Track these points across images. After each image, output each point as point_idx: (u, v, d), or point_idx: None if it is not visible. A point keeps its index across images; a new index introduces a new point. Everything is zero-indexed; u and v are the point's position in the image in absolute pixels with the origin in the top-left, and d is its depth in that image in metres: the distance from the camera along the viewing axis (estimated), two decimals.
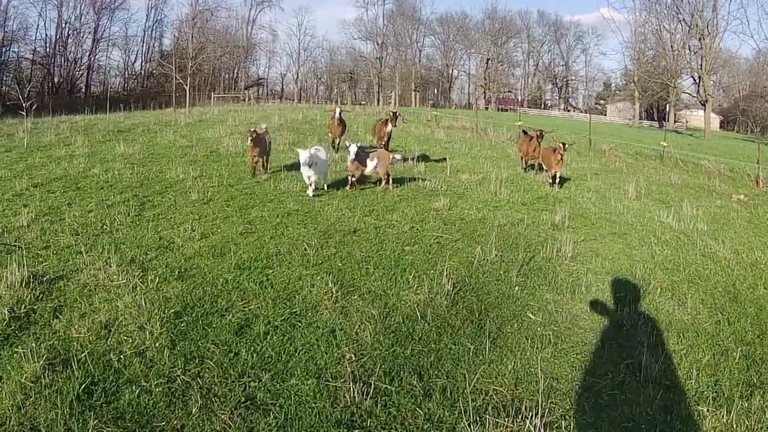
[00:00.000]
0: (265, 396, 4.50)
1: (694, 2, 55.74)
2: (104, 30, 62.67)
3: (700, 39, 55.37)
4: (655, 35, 63.19)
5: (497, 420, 4.33)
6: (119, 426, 4.06)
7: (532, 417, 4.28)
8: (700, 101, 56.79)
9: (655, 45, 64.31)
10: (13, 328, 5.28)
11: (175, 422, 4.13)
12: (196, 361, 4.91)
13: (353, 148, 11.15)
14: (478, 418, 4.36)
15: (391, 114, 16.64)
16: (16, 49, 57.64)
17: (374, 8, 78.73)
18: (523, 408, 4.47)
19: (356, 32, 78.14)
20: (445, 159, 16.62)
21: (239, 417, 4.22)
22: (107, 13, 62.12)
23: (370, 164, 11.61)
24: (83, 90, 59.68)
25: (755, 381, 5.19)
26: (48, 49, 58.77)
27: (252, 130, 12.37)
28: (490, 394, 4.70)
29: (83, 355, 4.86)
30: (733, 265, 8.55)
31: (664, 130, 48.06)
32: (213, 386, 4.58)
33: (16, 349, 4.88)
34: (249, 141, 11.97)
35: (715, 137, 52.19)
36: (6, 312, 5.47)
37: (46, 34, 59.50)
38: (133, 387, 4.49)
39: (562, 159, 13.32)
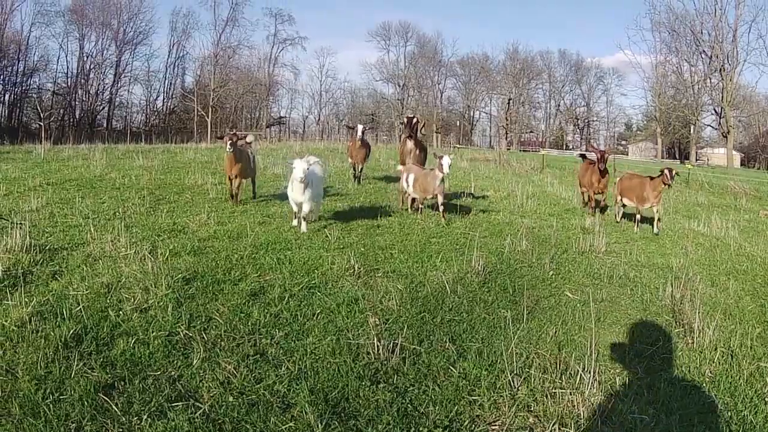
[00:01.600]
0: (277, 351, 3.99)
1: (714, 34, 55.71)
2: (126, 65, 63.50)
3: (720, 70, 55.17)
4: (676, 72, 63.16)
5: (543, 376, 3.78)
6: (107, 372, 3.58)
7: (580, 374, 3.75)
8: (722, 134, 56.31)
9: (675, 82, 64.19)
10: (5, 284, 4.83)
11: (173, 372, 3.63)
12: (202, 319, 4.43)
13: (447, 161, 8.67)
14: (521, 375, 3.82)
15: (406, 121, 12.20)
16: (37, 81, 58.86)
17: (396, 50, 78.86)
18: (570, 367, 3.91)
19: (378, 74, 78.21)
20: (470, 179, 16.07)
21: (246, 368, 3.71)
22: (129, 48, 63.01)
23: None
24: (104, 124, 60.37)
25: None
26: (69, 82, 59.72)
27: (232, 133, 9.49)
28: (531, 357, 4.17)
29: (78, 309, 4.38)
30: None
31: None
32: (219, 341, 4.08)
33: (6, 302, 4.42)
34: (228, 149, 8.95)
35: (736, 173, 51.48)
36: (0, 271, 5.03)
37: (68, 67, 60.33)
38: (129, 338, 4.02)
39: (661, 191, 9.72)
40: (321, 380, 3.63)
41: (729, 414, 3.61)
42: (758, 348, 4.71)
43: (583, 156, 12.76)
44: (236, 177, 9.29)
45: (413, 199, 9.72)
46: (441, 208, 8.93)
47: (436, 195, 8.88)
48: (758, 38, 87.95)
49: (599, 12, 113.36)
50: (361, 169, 13.89)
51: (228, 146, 8.89)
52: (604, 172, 10.74)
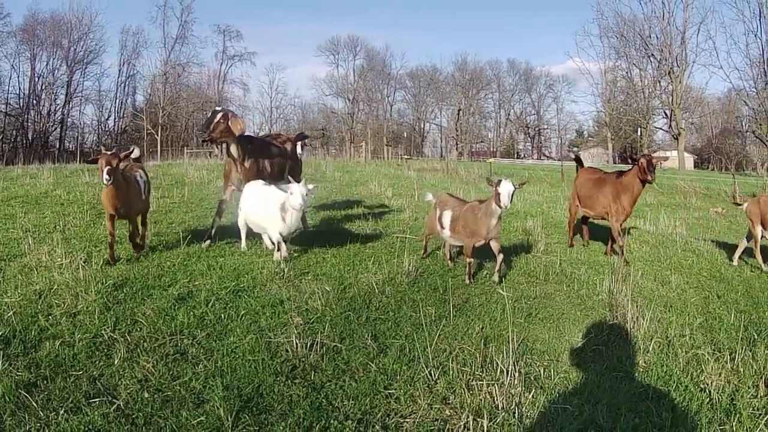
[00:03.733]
0: (197, 351, 4.16)
1: (663, 37, 56.86)
2: (77, 85, 61.91)
3: (669, 73, 56.39)
4: (625, 77, 64.45)
5: (463, 368, 3.97)
6: (32, 372, 3.71)
7: (499, 366, 3.94)
8: (673, 135, 57.42)
9: (625, 87, 65.30)
10: None
11: (94, 371, 3.78)
12: (128, 322, 4.58)
13: (507, 188, 5.98)
14: (440, 369, 4.02)
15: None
16: None
17: (345, 64, 78.77)
18: (493, 361, 4.08)
19: (327, 89, 78.10)
20: (414, 187, 16.19)
21: (164, 366, 3.88)
22: (80, 68, 61.63)
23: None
24: (57, 145, 59.10)
25: (755, 337, 4.97)
26: (21, 102, 58.38)
27: (110, 153, 6.15)
28: (455, 352, 4.34)
29: (9, 315, 4.50)
30: (716, 257, 8.40)
31: None
32: (141, 342, 4.23)
33: None
34: (105, 179, 5.95)
35: (689, 175, 52.47)
36: None
37: (19, 88, 58.83)
38: (55, 341, 4.16)
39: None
40: (237, 377, 3.79)
41: (661, 402, 3.72)
42: (698, 337, 4.92)
43: (578, 160, 9.91)
44: (113, 214, 6.38)
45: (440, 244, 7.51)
46: (499, 258, 6.30)
47: (490, 240, 6.32)
48: (707, 39, 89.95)
49: (547, 21, 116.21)
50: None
51: (104, 177, 5.96)
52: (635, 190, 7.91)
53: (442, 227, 6.65)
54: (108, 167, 5.96)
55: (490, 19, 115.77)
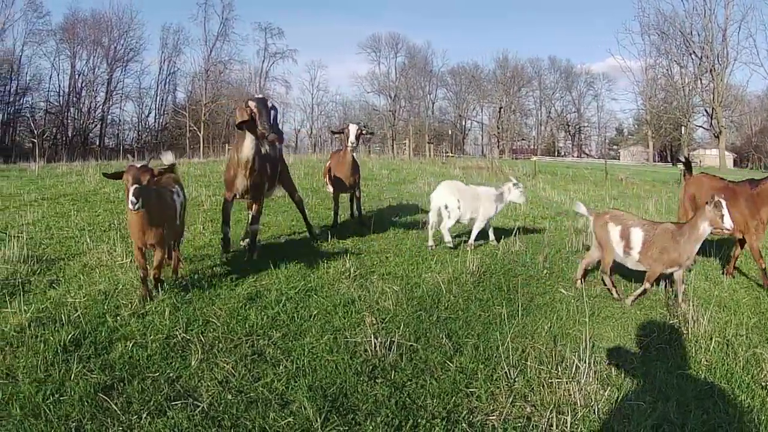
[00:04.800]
0: (275, 351, 4.04)
1: (704, 34, 55.80)
2: (118, 82, 62.85)
3: (710, 71, 55.38)
4: (666, 75, 63.39)
5: (540, 367, 3.83)
6: (107, 374, 3.62)
7: (576, 364, 3.81)
8: (714, 134, 56.35)
9: (665, 85, 64.28)
10: (3, 293, 4.86)
11: (171, 373, 3.68)
12: (200, 322, 4.47)
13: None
14: (517, 367, 3.88)
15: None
16: (30, 100, 58.56)
17: (386, 62, 78.59)
18: (566, 359, 3.98)
19: (369, 86, 77.99)
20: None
21: (244, 368, 3.76)
22: (120, 66, 62.57)
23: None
24: (97, 142, 60.06)
25: None
26: (61, 100, 59.40)
27: (137, 165, 4.66)
28: (527, 350, 4.23)
29: (76, 315, 4.43)
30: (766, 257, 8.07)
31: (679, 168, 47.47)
32: (217, 343, 4.13)
33: (5, 310, 4.45)
34: (132, 202, 4.47)
35: (730, 172, 51.48)
36: None
37: (59, 86, 59.79)
38: (127, 342, 4.06)
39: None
40: (319, 377, 3.67)
41: (726, 399, 3.67)
42: (754, 336, 4.79)
43: (687, 165, 8.43)
44: (143, 240, 4.87)
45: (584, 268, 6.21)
46: (681, 290, 5.48)
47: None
48: (748, 37, 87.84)
49: (588, 18, 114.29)
50: (358, 197, 9.26)
51: (130, 200, 4.45)
52: None
53: (628, 248, 5.61)
54: (136, 186, 4.43)
55: (531, 17, 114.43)
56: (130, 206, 4.46)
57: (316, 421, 3.14)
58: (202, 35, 65.83)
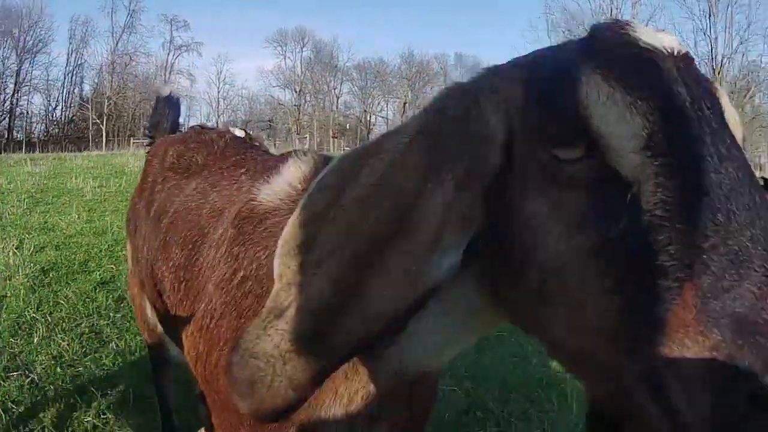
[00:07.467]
0: (111, 331, 4.68)
1: None
2: (26, 74, 59.80)
3: None
4: None
5: None
6: None
7: None
8: None
9: None
10: None
11: (15, 348, 4.26)
12: (50, 304, 5.06)
13: None
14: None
15: None
16: None
17: (292, 56, 77.36)
18: None
19: (275, 80, 76.57)
20: None
21: (78, 344, 4.39)
22: (29, 57, 60.01)
23: None
24: (5, 135, 57.83)
25: None
26: None
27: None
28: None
29: None
30: None
31: None
32: (61, 322, 4.73)
33: None
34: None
35: None
36: None
37: None
38: None
39: None
40: (137, 357, 4.34)
41: None
42: None
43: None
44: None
45: None
46: None
47: None
48: None
49: (497, 16, 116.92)
50: None
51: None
52: None
53: None
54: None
55: (437, 13, 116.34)
56: None
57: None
58: (109, 27, 63.87)
